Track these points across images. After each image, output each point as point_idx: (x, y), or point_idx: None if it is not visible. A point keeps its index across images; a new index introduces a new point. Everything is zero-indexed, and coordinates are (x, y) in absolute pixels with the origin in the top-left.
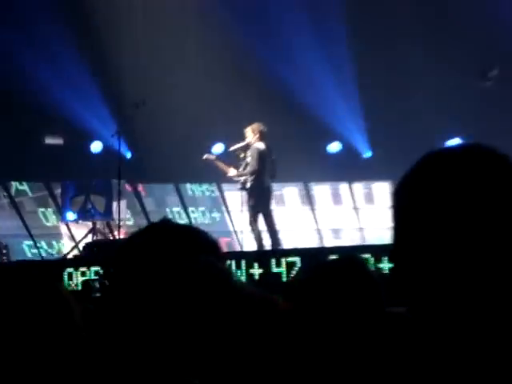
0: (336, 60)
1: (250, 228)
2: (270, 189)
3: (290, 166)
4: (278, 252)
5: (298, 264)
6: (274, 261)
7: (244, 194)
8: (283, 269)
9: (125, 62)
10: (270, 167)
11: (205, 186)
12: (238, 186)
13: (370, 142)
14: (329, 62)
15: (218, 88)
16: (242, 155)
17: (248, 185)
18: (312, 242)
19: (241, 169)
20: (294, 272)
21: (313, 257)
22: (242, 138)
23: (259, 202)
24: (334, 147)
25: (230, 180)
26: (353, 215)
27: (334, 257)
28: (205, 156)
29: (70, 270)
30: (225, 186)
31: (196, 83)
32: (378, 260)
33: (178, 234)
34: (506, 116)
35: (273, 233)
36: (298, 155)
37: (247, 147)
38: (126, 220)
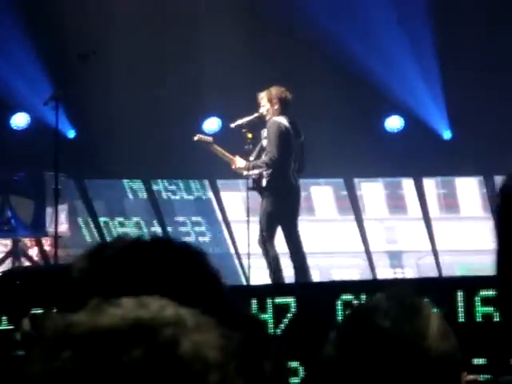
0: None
1: (261, 249)
2: (298, 188)
3: (323, 152)
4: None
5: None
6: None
7: (255, 195)
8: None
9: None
10: (297, 155)
11: (189, 185)
12: (248, 184)
13: (451, 119)
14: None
15: (209, 28)
16: (250, 135)
17: (264, 182)
18: (355, 272)
19: (252, 157)
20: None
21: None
22: (252, 109)
23: (281, 209)
24: (394, 124)
25: (235, 175)
26: (422, 229)
27: (384, 295)
28: (196, 136)
29: None
30: (221, 184)
31: (176, 23)
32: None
33: (174, 258)
34: None
35: (299, 257)
36: (336, 136)
37: (260, 122)
38: (66, 235)
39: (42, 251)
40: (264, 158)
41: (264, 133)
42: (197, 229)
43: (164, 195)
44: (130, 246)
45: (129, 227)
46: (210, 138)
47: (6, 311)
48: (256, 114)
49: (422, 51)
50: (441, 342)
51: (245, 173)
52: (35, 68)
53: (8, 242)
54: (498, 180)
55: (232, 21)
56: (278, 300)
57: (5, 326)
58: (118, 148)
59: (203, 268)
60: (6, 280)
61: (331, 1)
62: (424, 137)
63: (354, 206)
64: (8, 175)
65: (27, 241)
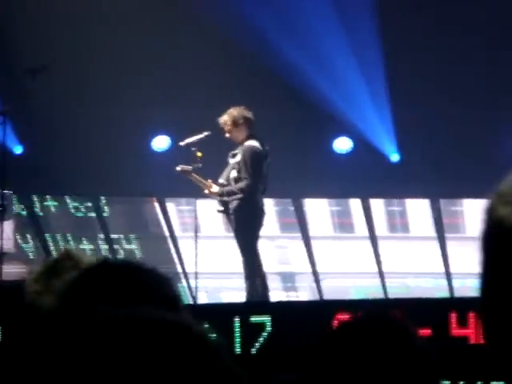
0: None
1: (245, 271)
2: (264, 210)
3: (271, 172)
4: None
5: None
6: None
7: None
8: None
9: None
10: (266, 177)
11: (134, 202)
12: (218, 207)
13: (399, 141)
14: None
15: (160, 46)
16: (200, 154)
17: (233, 205)
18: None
19: (222, 180)
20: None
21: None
22: (202, 127)
23: (249, 228)
24: (344, 145)
25: (184, 193)
26: (369, 250)
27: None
28: (179, 167)
29: None
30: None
31: (126, 41)
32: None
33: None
34: None
35: (261, 276)
36: (285, 157)
37: (209, 140)
38: (10, 251)
39: None
40: (243, 183)
41: (235, 156)
42: (140, 245)
43: (106, 211)
44: (98, 269)
45: (75, 243)
46: (189, 167)
47: None
48: (206, 133)
49: (372, 74)
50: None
51: (217, 198)
52: None
53: None
54: (444, 203)
55: (183, 38)
56: (254, 319)
57: None
58: (65, 164)
59: (168, 292)
60: None
61: (280, 20)
62: (372, 159)
63: (301, 225)
64: None
65: None
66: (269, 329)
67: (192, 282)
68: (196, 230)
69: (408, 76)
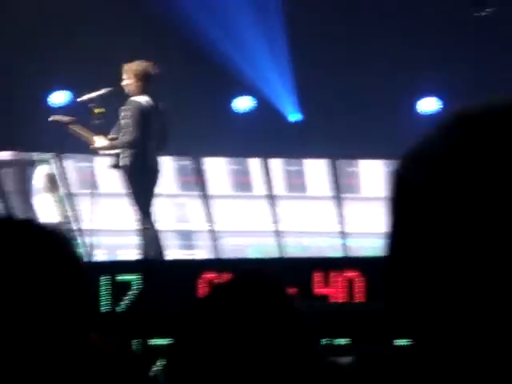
0: None
1: (140, 228)
2: (157, 168)
3: (171, 131)
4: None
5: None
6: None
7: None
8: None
9: None
10: (157, 134)
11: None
12: (108, 162)
13: (299, 101)
14: None
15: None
16: (101, 110)
17: (123, 162)
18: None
19: (111, 135)
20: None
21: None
22: (104, 83)
23: (142, 186)
24: (243, 104)
25: (84, 150)
26: (265, 209)
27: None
28: (52, 117)
29: None
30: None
31: None
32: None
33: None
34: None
35: (151, 233)
36: (185, 115)
37: (111, 96)
38: None
39: None
40: (123, 137)
41: (122, 111)
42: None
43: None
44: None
45: None
46: (66, 118)
47: None
48: (107, 89)
49: (273, 34)
50: None
51: (104, 152)
52: None
53: None
54: (341, 164)
55: None
56: (120, 277)
57: None
58: None
59: (70, 251)
60: None
61: None
62: (272, 118)
63: (201, 184)
64: None
65: None
66: (136, 287)
67: (88, 240)
68: (93, 187)
69: (309, 37)
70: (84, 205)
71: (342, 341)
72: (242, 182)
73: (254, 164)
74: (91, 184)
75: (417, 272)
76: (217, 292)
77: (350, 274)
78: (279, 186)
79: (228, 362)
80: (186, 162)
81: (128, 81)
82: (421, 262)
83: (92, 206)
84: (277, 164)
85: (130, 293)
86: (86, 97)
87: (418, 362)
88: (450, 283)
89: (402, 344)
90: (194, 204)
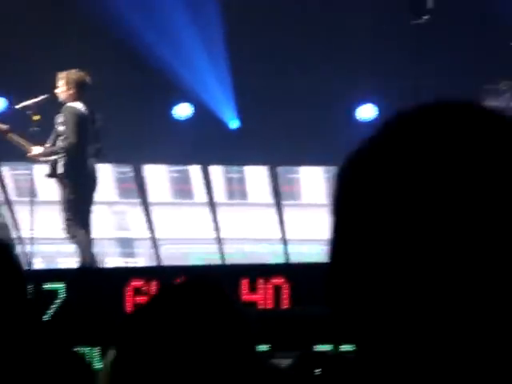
0: None
1: (68, 236)
2: (95, 174)
3: (111, 139)
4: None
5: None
6: None
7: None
8: None
9: None
10: (93, 140)
11: None
12: (46, 170)
13: (239, 108)
14: None
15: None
16: (36, 117)
17: (61, 169)
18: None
19: (49, 143)
20: None
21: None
22: (43, 90)
23: (80, 194)
24: (183, 111)
25: (22, 158)
26: (206, 216)
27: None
28: None
29: None
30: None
31: None
32: None
33: None
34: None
35: (85, 241)
36: (124, 122)
37: (49, 103)
38: None
39: None
40: (60, 143)
41: (58, 118)
42: None
43: None
44: None
45: None
46: (4, 126)
47: None
48: (44, 96)
49: (212, 40)
50: None
51: (41, 159)
52: None
53: None
54: (282, 171)
55: None
56: (48, 286)
57: None
58: None
59: (11, 260)
60: None
61: None
62: (212, 125)
63: (142, 190)
64: None
65: None
66: (61, 296)
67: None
68: (32, 195)
69: (248, 43)
70: (23, 213)
71: (264, 347)
72: (183, 189)
73: (195, 171)
74: (30, 192)
75: (357, 275)
76: (160, 296)
77: (276, 280)
78: (220, 193)
79: (170, 367)
80: (126, 169)
81: (62, 88)
82: (361, 265)
83: (31, 214)
84: (217, 171)
85: (56, 301)
86: (23, 104)
87: (360, 366)
88: (386, 284)
89: (324, 350)
90: (134, 211)
